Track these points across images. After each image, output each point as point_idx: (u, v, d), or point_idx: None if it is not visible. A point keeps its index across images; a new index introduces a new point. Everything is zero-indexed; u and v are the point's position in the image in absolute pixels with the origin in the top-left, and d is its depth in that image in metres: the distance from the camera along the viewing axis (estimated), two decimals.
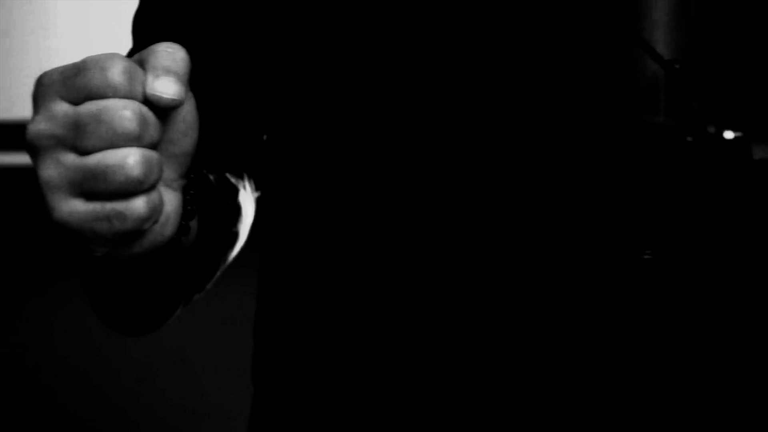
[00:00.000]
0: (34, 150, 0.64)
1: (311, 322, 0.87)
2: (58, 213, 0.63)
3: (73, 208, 0.63)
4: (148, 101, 0.63)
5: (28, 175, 2.38)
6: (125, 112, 0.62)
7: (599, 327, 0.81)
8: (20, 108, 2.40)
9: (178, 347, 2.42)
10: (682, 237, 0.78)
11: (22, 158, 2.49)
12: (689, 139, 0.78)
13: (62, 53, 2.40)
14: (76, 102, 0.63)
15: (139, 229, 0.64)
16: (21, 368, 2.45)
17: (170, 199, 0.67)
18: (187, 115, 0.66)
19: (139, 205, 0.63)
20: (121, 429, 2.45)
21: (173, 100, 0.63)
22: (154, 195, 0.63)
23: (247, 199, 0.89)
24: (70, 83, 0.63)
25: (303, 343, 0.88)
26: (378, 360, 0.84)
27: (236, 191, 0.87)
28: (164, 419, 2.45)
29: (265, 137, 0.91)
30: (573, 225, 0.80)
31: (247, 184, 0.90)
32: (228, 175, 0.88)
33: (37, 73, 0.66)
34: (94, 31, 2.44)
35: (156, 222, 0.65)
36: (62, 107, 0.63)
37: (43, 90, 0.64)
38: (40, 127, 0.63)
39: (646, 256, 0.78)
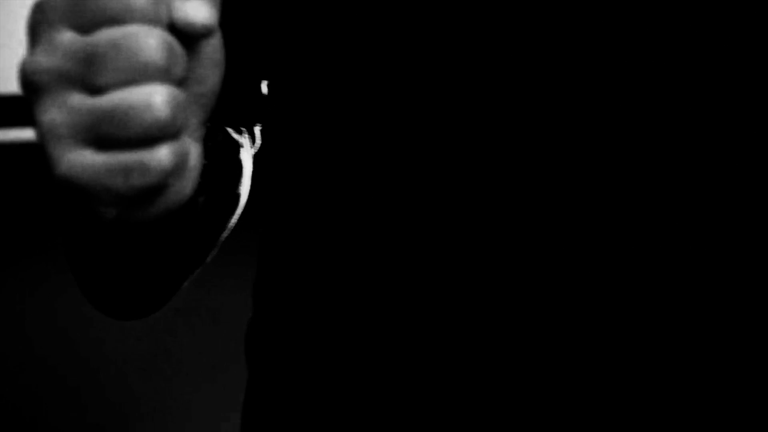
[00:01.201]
0: (32, 89, 0.53)
1: (309, 306, 0.78)
2: (63, 166, 0.52)
3: (83, 159, 0.52)
4: (173, 28, 0.53)
5: None
6: (150, 41, 0.51)
7: (620, 329, 0.72)
8: None
9: (153, 340, 2.32)
10: None
11: None
12: None
13: None
14: (86, 30, 0.52)
15: (161, 185, 0.53)
16: None
17: (193, 151, 0.56)
18: (215, 48, 0.55)
19: (164, 154, 0.52)
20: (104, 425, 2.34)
21: (204, 26, 0.53)
22: (180, 143, 0.53)
23: (247, 156, 0.78)
24: (80, 7, 0.52)
25: (300, 324, 0.78)
26: (377, 351, 0.75)
27: (238, 147, 0.77)
28: (154, 416, 2.35)
29: (263, 88, 0.81)
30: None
31: (245, 140, 0.79)
32: (228, 128, 0.77)
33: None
34: None
35: (179, 177, 0.54)
36: (69, 36, 0.52)
37: (44, 16, 0.53)
38: (40, 60, 0.52)
39: None
